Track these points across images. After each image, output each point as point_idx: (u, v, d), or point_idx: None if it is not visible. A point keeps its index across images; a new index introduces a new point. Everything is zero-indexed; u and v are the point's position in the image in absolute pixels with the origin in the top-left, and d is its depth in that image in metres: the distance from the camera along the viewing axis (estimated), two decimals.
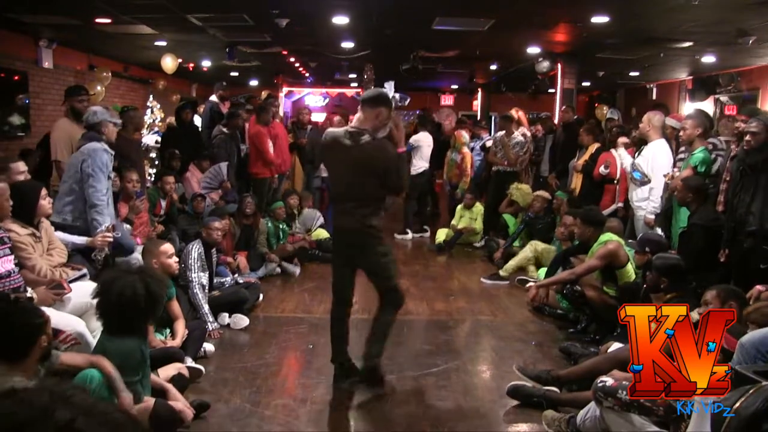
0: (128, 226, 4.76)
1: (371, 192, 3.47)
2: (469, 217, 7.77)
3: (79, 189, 4.14)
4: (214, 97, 8.31)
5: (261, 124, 7.15)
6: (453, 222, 7.86)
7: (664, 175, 4.91)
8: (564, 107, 8.35)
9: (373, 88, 3.85)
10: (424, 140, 8.25)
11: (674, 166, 5.03)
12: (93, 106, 4.60)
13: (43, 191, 3.65)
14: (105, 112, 4.46)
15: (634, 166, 5.22)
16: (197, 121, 8.52)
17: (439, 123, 11.70)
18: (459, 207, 7.93)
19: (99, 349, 2.69)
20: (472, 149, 8.64)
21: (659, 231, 4.99)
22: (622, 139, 5.92)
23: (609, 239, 4.62)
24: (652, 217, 5.03)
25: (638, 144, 5.64)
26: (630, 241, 4.90)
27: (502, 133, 8.04)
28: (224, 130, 7.24)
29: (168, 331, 3.87)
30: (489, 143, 8.66)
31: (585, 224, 4.82)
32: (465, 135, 8.52)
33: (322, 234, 7.20)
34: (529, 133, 8.30)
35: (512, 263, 6.10)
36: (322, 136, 3.70)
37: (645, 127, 5.24)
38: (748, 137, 3.87)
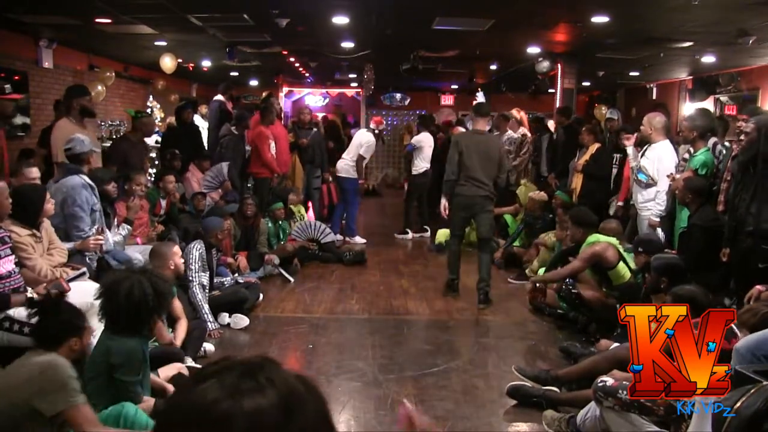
0: (128, 226, 4.76)
1: (491, 172, 5.36)
2: None
3: (62, 224, 4.11)
4: (220, 96, 8.31)
5: (265, 125, 7.14)
6: None
7: (668, 176, 4.90)
8: (558, 110, 8.30)
9: (479, 102, 6.00)
10: (426, 141, 8.29)
11: (678, 165, 5.02)
12: (78, 135, 4.55)
13: (48, 194, 3.69)
14: (90, 142, 4.45)
15: (639, 169, 5.20)
16: (197, 121, 8.51)
17: (438, 124, 11.70)
18: None
19: (101, 348, 2.68)
20: None
21: (660, 232, 4.99)
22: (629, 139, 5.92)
23: (596, 240, 4.61)
24: (658, 220, 5.01)
25: (641, 144, 5.62)
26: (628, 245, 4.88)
27: (497, 133, 8.12)
28: (233, 130, 7.24)
29: (170, 331, 3.87)
30: None
31: (574, 225, 4.84)
32: (462, 130, 8.60)
33: None
34: (529, 134, 8.32)
35: (537, 263, 6.08)
36: (452, 138, 5.87)
37: (646, 130, 5.21)
38: (742, 136, 3.95)
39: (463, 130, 8.81)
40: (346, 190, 7.88)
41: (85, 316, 2.62)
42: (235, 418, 0.72)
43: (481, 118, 5.67)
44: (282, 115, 9.51)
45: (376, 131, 8.07)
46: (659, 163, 5.02)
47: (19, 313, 3.06)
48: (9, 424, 2.20)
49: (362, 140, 7.80)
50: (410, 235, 8.32)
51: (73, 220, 4.09)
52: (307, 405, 0.77)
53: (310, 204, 8.08)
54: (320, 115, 13.01)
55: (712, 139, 4.86)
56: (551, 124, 8.90)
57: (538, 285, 4.98)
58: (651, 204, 5.08)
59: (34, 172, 3.98)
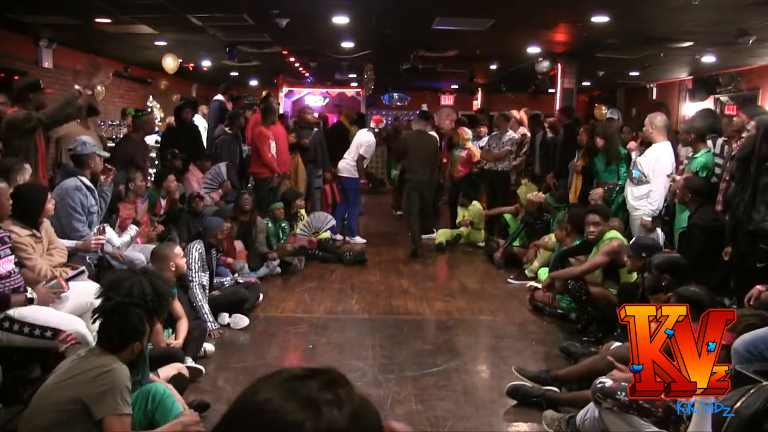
0: (135, 227, 4.75)
1: (431, 162, 7.25)
2: (470, 217, 7.80)
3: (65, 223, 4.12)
4: (220, 96, 8.30)
5: (266, 125, 7.13)
6: (458, 221, 7.89)
7: (668, 176, 4.90)
8: (560, 110, 8.27)
9: (423, 110, 8.15)
10: None
11: (679, 165, 5.02)
12: (82, 136, 4.52)
13: (49, 195, 3.68)
14: (94, 144, 4.43)
15: (635, 164, 5.22)
16: (197, 120, 8.51)
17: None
18: (459, 207, 7.95)
19: None
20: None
21: (659, 232, 4.98)
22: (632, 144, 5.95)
23: (614, 237, 4.63)
24: (650, 219, 5.02)
25: (645, 144, 5.61)
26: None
27: (496, 132, 8.11)
28: (227, 130, 7.23)
29: (171, 330, 3.88)
30: (483, 142, 8.70)
31: (605, 220, 4.82)
32: (468, 131, 8.55)
33: (324, 234, 7.17)
34: (529, 134, 8.30)
35: (537, 264, 6.08)
36: (401, 137, 7.93)
37: (648, 130, 5.21)
38: (744, 134, 3.98)
39: (467, 129, 8.85)
40: (348, 190, 7.88)
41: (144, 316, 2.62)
42: (307, 428, 0.72)
43: (422, 121, 7.45)
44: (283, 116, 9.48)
45: (376, 130, 8.07)
46: (656, 163, 5.02)
47: (20, 313, 3.06)
48: (57, 418, 2.21)
49: (362, 140, 7.79)
50: (434, 234, 8.14)
51: (66, 221, 4.08)
52: (372, 423, 0.80)
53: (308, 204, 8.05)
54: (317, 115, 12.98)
55: (720, 140, 4.84)
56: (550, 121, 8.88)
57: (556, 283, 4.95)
58: (642, 203, 5.08)
59: (27, 171, 3.97)
